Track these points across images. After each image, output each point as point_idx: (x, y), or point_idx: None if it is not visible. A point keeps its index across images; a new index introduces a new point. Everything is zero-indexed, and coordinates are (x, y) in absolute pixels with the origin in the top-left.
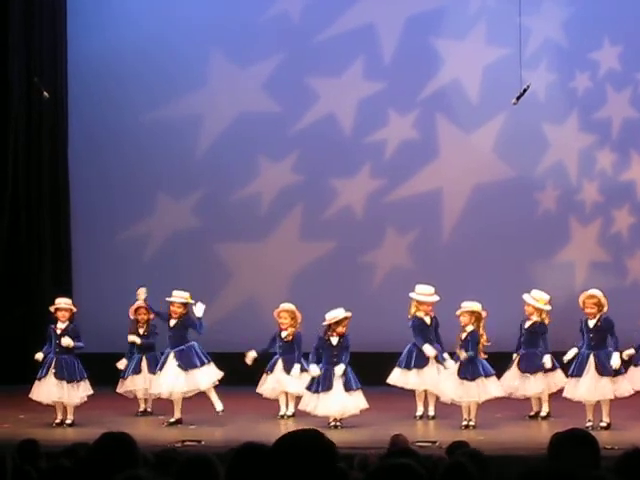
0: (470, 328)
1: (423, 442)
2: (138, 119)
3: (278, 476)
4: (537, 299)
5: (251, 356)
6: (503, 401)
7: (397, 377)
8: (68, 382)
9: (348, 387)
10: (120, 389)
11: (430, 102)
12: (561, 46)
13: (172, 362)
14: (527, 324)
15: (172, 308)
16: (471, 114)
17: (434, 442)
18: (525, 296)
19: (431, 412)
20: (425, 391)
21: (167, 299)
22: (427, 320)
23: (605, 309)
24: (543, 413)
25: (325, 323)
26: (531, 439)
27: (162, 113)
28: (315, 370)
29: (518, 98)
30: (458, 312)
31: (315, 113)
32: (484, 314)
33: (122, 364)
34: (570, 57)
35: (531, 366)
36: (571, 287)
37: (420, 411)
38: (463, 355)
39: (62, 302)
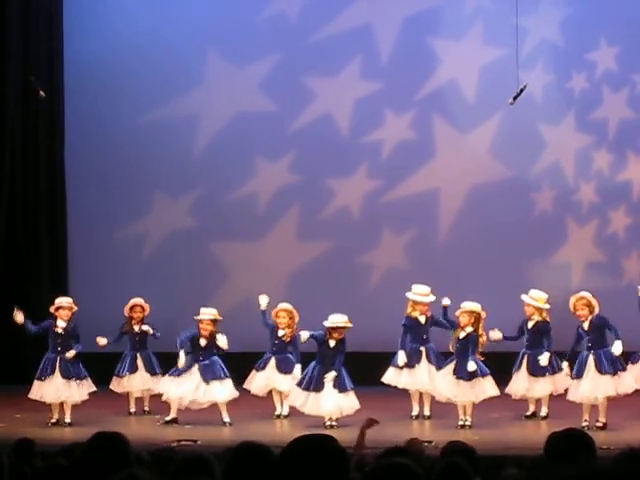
0: (469, 329)
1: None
2: (135, 118)
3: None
4: (536, 299)
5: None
6: (499, 401)
7: (390, 376)
8: (76, 380)
9: (342, 388)
10: (116, 388)
11: (427, 102)
12: (558, 46)
13: (196, 374)
14: (530, 324)
15: (202, 326)
16: (468, 114)
17: (430, 442)
18: (524, 297)
19: (427, 412)
20: (420, 391)
21: (195, 317)
22: (422, 320)
23: (596, 310)
24: (543, 413)
25: (326, 325)
26: (527, 439)
27: (159, 112)
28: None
29: (515, 98)
30: (457, 312)
31: (312, 113)
32: (484, 315)
33: (103, 341)
34: (567, 57)
35: (540, 368)
36: (567, 287)
37: (416, 411)
38: (496, 335)
39: (63, 301)
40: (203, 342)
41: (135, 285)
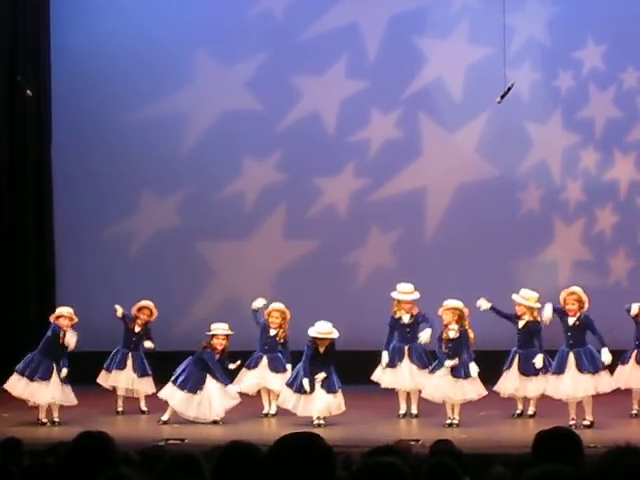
0: (455, 326)
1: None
2: (122, 117)
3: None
4: (527, 298)
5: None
6: (486, 399)
7: (377, 374)
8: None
9: (331, 389)
10: (104, 382)
11: (413, 101)
12: (545, 45)
13: (210, 383)
14: (521, 324)
15: (216, 341)
16: (454, 113)
17: (417, 440)
18: (515, 296)
19: (414, 410)
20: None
21: (208, 333)
22: (405, 319)
23: (586, 306)
24: (530, 412)
25: (312, 336)
26: (514, 437)
27: (147, 111)
28: (306, 384)
29: (502, 97)
30: (440, 310)
31: (299, 112)
32: (466, 312)
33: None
34: (554, 56)
35: (532, 368)
36: (555, 286)
37: (403, 409)
38: (485, 305)
39: (65, 310)
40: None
41: (123, 283)
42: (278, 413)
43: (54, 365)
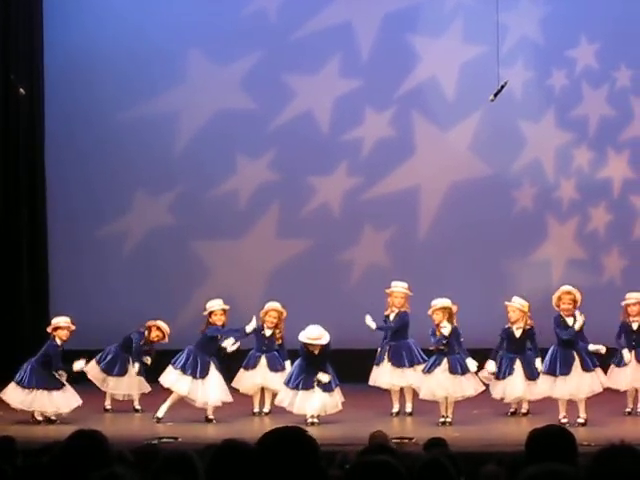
0: (447, 325)
1: (400, 438)
2: (116, 116)
3: (261, 473)
4: (522, 305)
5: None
6: (479, 398)
7: (371, 374)
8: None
9: (327, 388)
10: (105, 388)
11: (407, 100)
12: (538, 43)
13: (214, 371)
14: (518, 333)
15: (215, 318)
16: (448, 111)
17: (411, 438)
18: (509, 303)
19: (409, 409)
20: (402, 388)
21: (204, 313)
22: (391, 317)
23: (578, 305)
24: (523, 410)
25: (300, 340)
26: (508, 435)
27: (140, 110)
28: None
29: (495, 95)
30: (430, 311)
31: (292, 110)
32: (455, 309)
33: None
34: (547, 54)
35: (535, 371)
36: (548, 285)
37: (396, 408)
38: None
39: (62, 320)
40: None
41: (117, 282)
42: (272, 412)
43: (54, 374)
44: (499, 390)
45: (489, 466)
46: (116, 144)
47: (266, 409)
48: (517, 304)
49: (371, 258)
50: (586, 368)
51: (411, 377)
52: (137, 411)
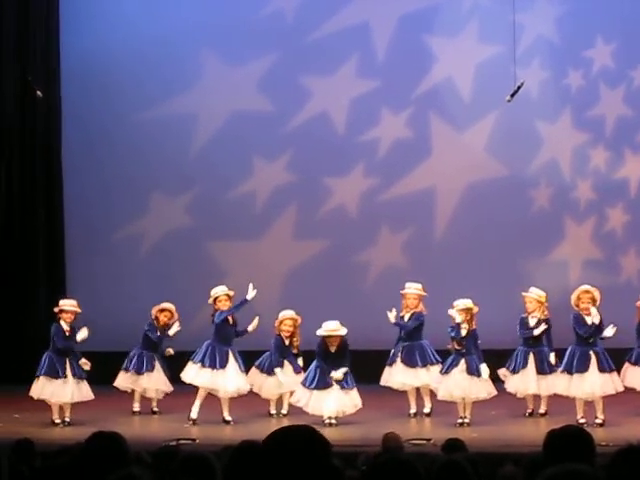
0: (466, 325)
1: (417, 440)
2: (132, 118)
3: (271, 473)
4: (539, 295)
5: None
6: (497, 398)
7: (383, 375)
8: (83, 380)
9: (344, 386)
10: (125, 383)
11: (423, 100)
12: (554, 43)
13: (232, 361)
14: (532, 322)
15: (220, 304)
16: (464, 112)
17: (429, 440)
18: (526, 293)
19: (427, 410)
20: (418, 388)
21: (210, 302)
22: (406, 317)
23: (597, 304)
24: (541, 410)
25: (319, 334)
26: (526, 436)
27: (156, 112)
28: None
29: (512, 95)
30: (452, 311)
31: (308, 112)
32: (476, 309)
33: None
34: (563, 54)
35: (547, 366)
36: (565, 285)
37: (414, 409)
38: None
39: (67, 303)
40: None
41: (133, 284)
42: (290, 413)
43: (67, 361)
44: (512, 384)
45: (507, 467)
46: (132, 146)
47: (284, 410)
48: (534, 294)
49: (387, 259)
50: (603, 369)
51: (424, 377)
52: (155, 413)
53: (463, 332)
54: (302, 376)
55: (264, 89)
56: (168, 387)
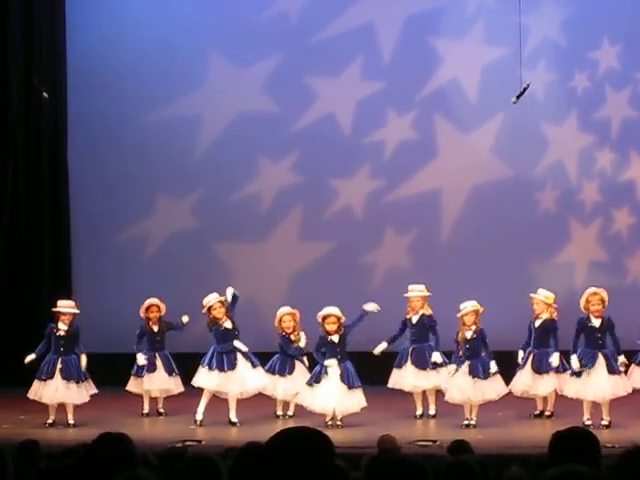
0: (474, 327)
1: (424, 441)
2: (138, 119)
3: (276, 475)
4: (547, 297)
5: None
6: (503, 400)
7: (391, 377)
8: (76, 382)
9: (350, 384)
10: (134, 388)
11: (429, 102)
12: (560, 45)
13: (242, 360)
14: (537, 323)
15: (214, 312)
16: (470, 114)
17: (435, 441)
18: (534, 295)
19: (432, 411)
20: (424, 390)
21: (203, 311)
22: (414, 320)
23: (605, 306)
24: (547, 412)
25: (323, 315)
26: (532, 438)
27: (161, 113)
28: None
29: (518, 97)
30: (461, 313)
31: (314, 113)
32: (481, 310)
33: (142, 360)
34: (569, 56)
35: (545, 366)
36: (571, 287)
37: (420, 410)
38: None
39: (64, 305)
40: (229, 325)
41: (138, 286)
42: (295, 414)
43: (59, 362)
44: (511, 384)
45: (513, 468)
46: (137, 147)
47: (290, 412)
48: (542, 296)
49: (393, 261)
50: (612, 371)
51: (434, 379)
52: (160, 414)
53: (468, 334)
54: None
55: (269, 90)
56: (174, 386)
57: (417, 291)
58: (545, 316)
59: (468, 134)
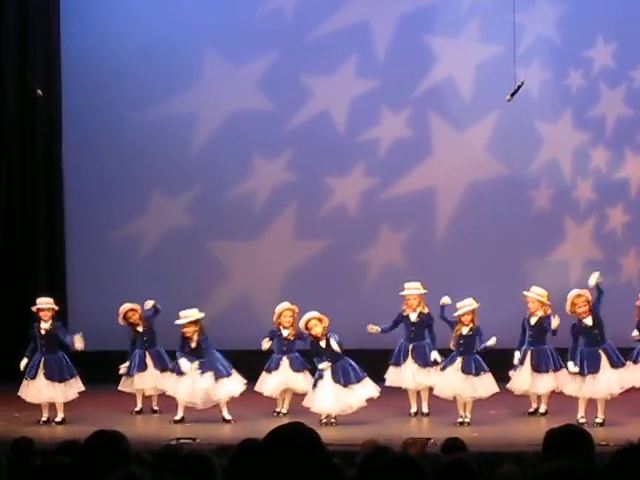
0: (470, 325)
1: (418, 439)
2: (133, 117)
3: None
4: (541, 295)
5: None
6: (497, 398)
7: (387, 373)
8: (59, 382)
9: (345, 382)
10: (126, 388)
11: (423, 100)
12: (555, 43)
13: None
14: (533, 321)
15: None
16: (465, 112)
17: (429, 439)
18: (527, 292)
19: (425, 409)
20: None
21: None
22: (412, 317)
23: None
24: (542, 410)
25: (305, 320)
26: (525, 435)
27: (156, 111)
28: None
29: (512, 95)
30: (459, 312)
31: (309, 111)
32: (477, 306)
33: (124, 367)
34: (564, 54)
35: (544, 364)
36: (565, 285)
37: (414, 408)
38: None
39: (43, 301)
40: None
41: (132, 284)
42: (290, 412)
43: (42, 361)
44: (510, 383)
45: (506, 466)
46: (132, 145)
47: (284, 410)
48: (535, 294)
49: (388, 259)
50: (614, 364)
51: (434, 376)
52: (155, 412)
53: (464, 330)
54: (305, 374)
55: (264, 88)
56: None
57: (413, 289)
58: (540, 314)
59: (463, 132)
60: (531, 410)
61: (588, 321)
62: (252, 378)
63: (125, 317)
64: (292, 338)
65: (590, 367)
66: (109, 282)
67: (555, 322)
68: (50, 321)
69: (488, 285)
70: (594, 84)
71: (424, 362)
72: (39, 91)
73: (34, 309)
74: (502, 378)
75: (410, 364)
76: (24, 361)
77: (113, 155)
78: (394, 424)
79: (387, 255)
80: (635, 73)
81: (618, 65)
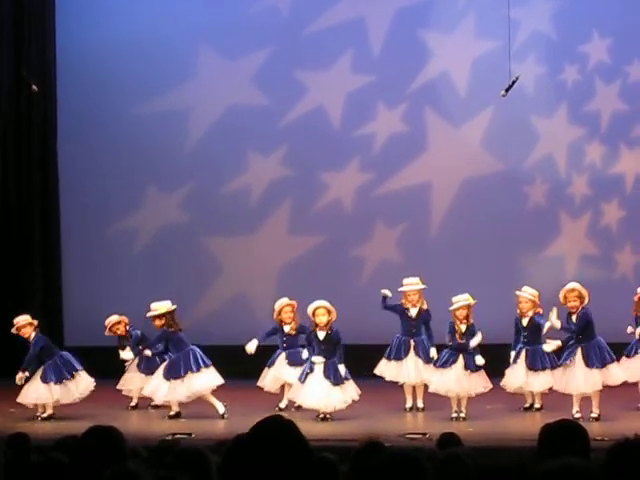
0: (466, 322)
1: (413, 434)
2: (127, 112)
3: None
4: (532, 294)
5: (253, 345)
6: (492, 393)
7: (381, 368)
8: (55, 383)
9: (335, 381)
10: (122, 387)
11: (419, 95)
12: (550, 38)
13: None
14: (525, 321)
15: (158, 322)
16: (460, 107)
17: (424, 434)
18: (520, 292)
19: (420, 404)
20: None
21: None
22: (413, 312)
23: (586, 301)
24: (537, 405)
25: (312, 309)
26: (521, 430)
27: (151, 106)
28: (305, 354)
29: (507, 90)
30: (454, 307)
31: (304, 106)
32: (473, 303)
33: (127, 355)
34: (559, 50)
35: (539, 363)
36: (561, 280)
37: (409, 403)
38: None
39: (20, 320)
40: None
41: (128, 279)
42: (288, 407)
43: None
44: (504, 380)
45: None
46: (128, 140)
47: (282, 404)
48: (528, 295)
49: (383, 254)
50: (590, 364)
51: (432, 373)
52: (153, 407)
53: (463, 327)
54: (297, 369)
55: (259, 83)
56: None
57: (413, 284)
58: (531, 314)
59: (458, 127)
60: (526, 405)
61: (573, 318)
62: (246, 374)
63: (111, 330)
64: (293, 333)
65: (565, 362)
66: (105, 277)
67: (548, 324)
68: (33, 334)
69: (483, 280)
70: (589, 79)
71: (426, 358)
72: (34, 87)
73: (14, 331)
74: (498, 374)
75: (413, 359)
76: (20, 375)
77: (108, 151)
78: (389, 419)
79: (382, 250)
80: (630, 68)
81: (613, 60)
